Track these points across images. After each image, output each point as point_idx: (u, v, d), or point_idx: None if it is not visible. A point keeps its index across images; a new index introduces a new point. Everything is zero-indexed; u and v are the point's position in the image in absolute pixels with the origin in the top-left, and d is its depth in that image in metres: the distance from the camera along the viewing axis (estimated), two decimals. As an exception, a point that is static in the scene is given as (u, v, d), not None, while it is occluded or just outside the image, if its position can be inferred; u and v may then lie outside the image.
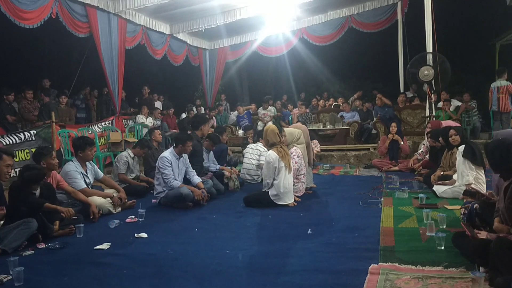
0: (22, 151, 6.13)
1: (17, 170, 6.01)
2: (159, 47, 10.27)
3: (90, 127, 8.42)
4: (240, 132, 10.31)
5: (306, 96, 15.11)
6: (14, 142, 6.06)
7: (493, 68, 12.03)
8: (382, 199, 5.14)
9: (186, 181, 5.58)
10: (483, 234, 2.91)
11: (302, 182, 5.46)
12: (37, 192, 4.09)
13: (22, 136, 6.20)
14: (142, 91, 11.37)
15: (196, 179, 5.60)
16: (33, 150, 5.79)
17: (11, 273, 3.00)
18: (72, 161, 5.12)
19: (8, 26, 6.79)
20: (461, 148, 5.03)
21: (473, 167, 4.85)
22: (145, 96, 11.34)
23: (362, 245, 3.48)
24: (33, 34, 9.23)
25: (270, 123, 10.64)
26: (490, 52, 12.89)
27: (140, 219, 4.64)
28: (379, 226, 4.01)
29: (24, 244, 3.75)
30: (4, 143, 5.83)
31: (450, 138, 5.44)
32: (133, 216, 4.71)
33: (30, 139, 6.29)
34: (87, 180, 5.05)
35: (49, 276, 3.10)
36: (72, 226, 4.17)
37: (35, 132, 6.40)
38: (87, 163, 5.18)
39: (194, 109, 12.19)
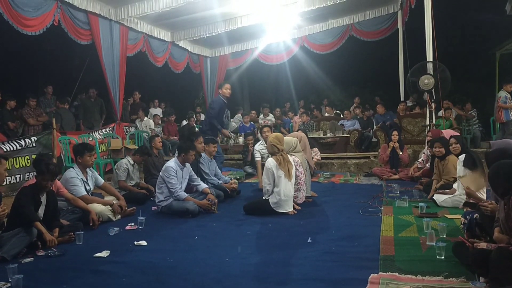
0: (23, 157, 6.14)
1: (17, 176, 6.05)
2: (160, 54, 10.32)
3: (91, 134, 8.43)
4: (241, 139, 10.28)
5: (306, 104, 15.13)
6: (15, 148, 6.07)
7: (493, 77, 12.07)
8: (382, 208, 5.13)
9: (188, 189, 5.63)
10: (482, 245, 2.90)
11: (302, 190, 5.47)
12: (44, 198, 4.09)
13: (23, 143, 6.21)
14: (133, 96, 11.09)
15: (203, 185, 5.72)
16: (34, 156, 5.80)
17: (10, 280, 2.99)
18: (72, 167, 5.13)
19: (10, 33, 6.84)
20: (462, 157, 5.01)
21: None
22: (137, 101, 11.12)
23: (362, 254, 3.47)
24: (35, 41, 9.30)
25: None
26: (490, 61, 12.92)
27: (140, 227, 4.63)
28: (379, 235, 4.00)
29: (23, 252, 3.74)
30: (5, 150, 5.84)
31: (450, 147, 5.46)
32: (132, 224, 4.70)
33: (31, 145, 6.30)
34: (88, 187, 5.05)
35: (48, 284, 3.10)
36: (72, 233, 4.16)
37: (35, 138, 6.41)
38: (87, 169, 5.17)
39: (195, 116, 12.17)
